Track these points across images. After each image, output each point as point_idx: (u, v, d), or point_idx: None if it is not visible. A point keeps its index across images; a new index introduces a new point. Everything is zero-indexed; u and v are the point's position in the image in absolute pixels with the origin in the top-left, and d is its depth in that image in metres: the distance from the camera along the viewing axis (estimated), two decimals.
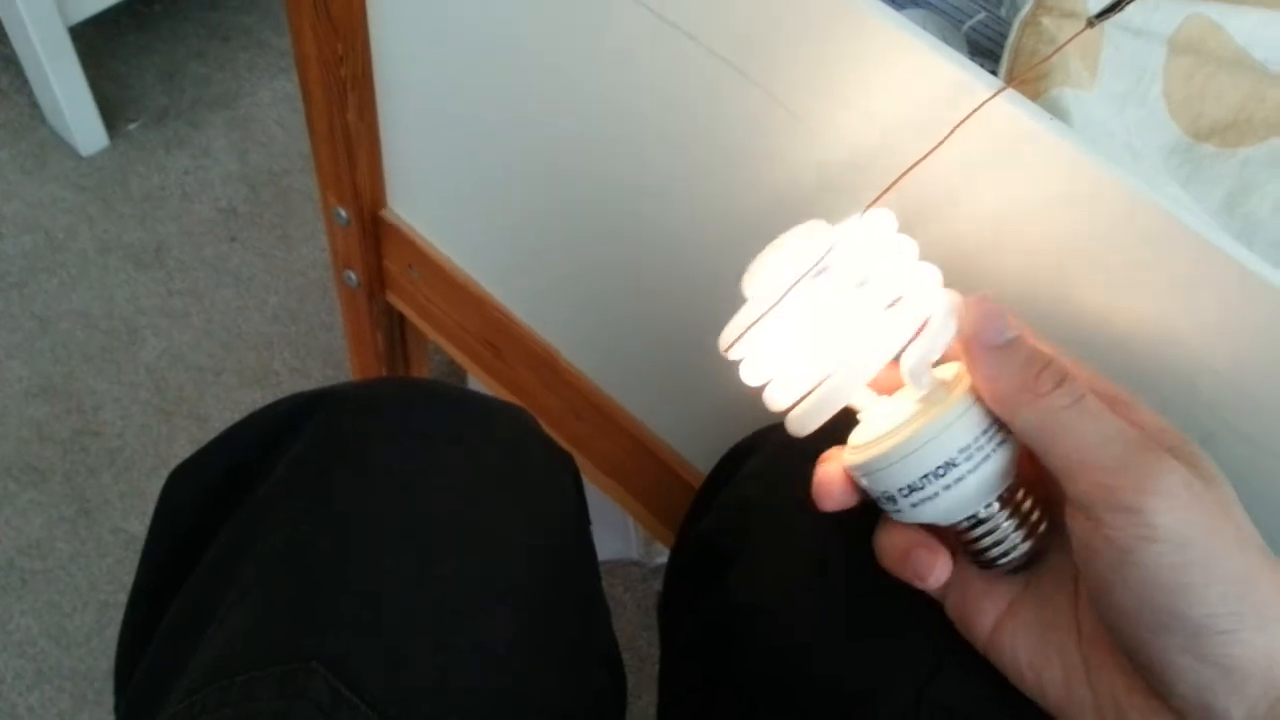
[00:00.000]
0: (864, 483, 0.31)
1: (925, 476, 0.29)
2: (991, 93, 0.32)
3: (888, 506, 0.31)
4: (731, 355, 0.33)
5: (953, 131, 0.31)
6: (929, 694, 0.31)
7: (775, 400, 0.32)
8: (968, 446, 0.29)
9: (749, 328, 0.31)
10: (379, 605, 0.33)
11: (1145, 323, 0.34)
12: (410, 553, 0.34)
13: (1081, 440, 0.27)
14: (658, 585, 0.98)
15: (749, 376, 0.33)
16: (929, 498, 0.30)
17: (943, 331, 0.30)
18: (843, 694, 0.33)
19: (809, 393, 0.31)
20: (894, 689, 0.32)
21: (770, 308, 0.31)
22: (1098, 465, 0.26)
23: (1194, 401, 0.35)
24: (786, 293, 0.30)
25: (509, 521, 0.37)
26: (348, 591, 0.33)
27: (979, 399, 0.30)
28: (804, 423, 0.31)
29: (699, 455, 0.61)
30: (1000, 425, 0.30)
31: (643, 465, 0.64)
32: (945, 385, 0.31)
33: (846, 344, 0.30)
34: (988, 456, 0.30)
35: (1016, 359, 0.29)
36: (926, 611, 0.33)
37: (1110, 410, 0.28)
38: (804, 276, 0.30)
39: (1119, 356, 0.35)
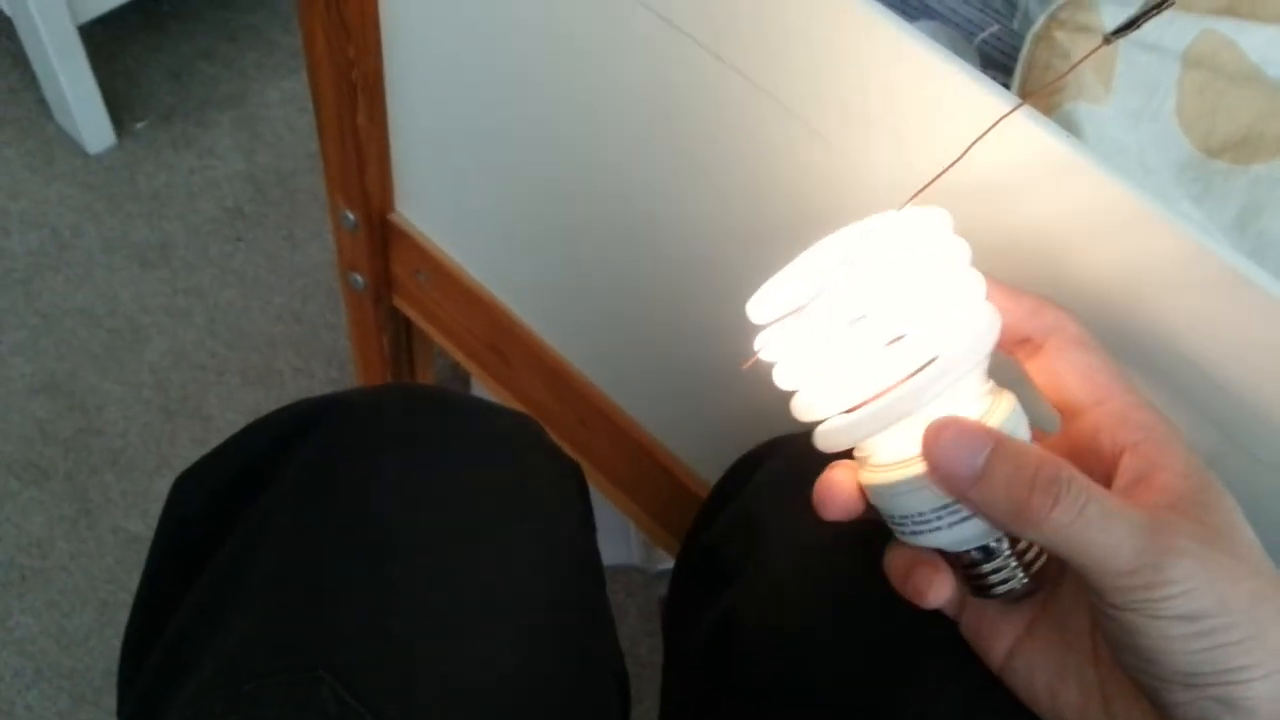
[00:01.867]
0: (879, 502, 0.31)
1: (944, 507, 0.29)
2: (1009, 109, 0.32)
3: (897, 528, 0.31)
4: (764, 355, 0.32)
5: (970, 147, 0.31)
6: (934, 713, 0.31)
7: (806, 409, 0.31)
8: (951, 504, 0.29)
9: (789, 321, 0.30)
10: (385, 615, 0.33)
11: (1154, 341, 0.34)
12: (416, 562, 0.34)
13: (1089, 552, 0.26)
14: (659, 591, 0.98)
15: (782, 380, 0.32)
16: (941, 527, 0.30)
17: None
18: (847, 712, 0.33)
19: (854, 409, 0.30)
20: (899, 708, 0.32)
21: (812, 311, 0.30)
22: (1108, 571, 0.26)
23: (1203, 420, 0.34)
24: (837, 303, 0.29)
25: (516, 531, 0.37)
26: (354, 600, 0.33)
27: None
28: (836, 440, 0.31)
29: (704, 464, 0.61)
30: None
31: (647, 473, 0.64)
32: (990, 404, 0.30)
33: (888, 369, 0.29)
34: (967, 518, 0.29)
35: (998, 488, 0.27)
36: (934, 631, 0.32)
37: (1116, 496, 0.27)
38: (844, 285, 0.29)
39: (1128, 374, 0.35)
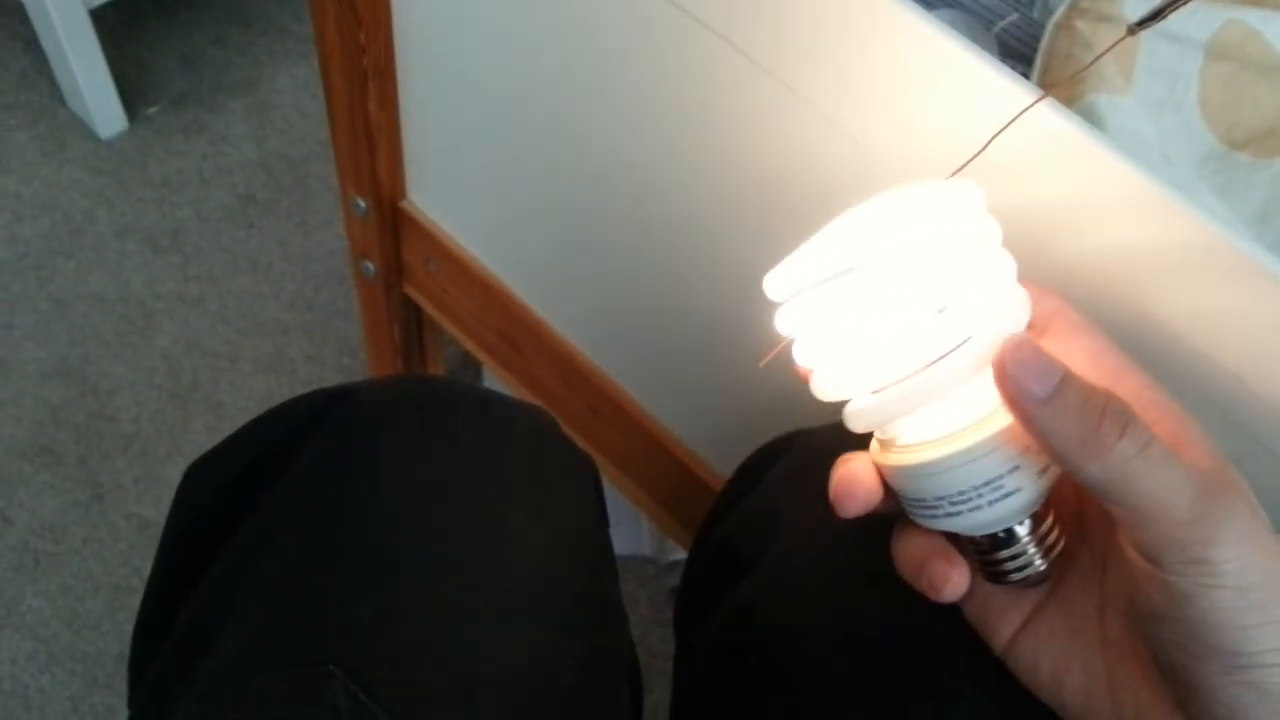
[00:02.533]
0: (906, 485, 0.30)
1: (965, 491, 0.29)
2: (1029, 99, 0.32)
3: (921, 511, 0.30)
4: (784, 330, 0.31)
5: (993, 139, 0.31)
6: (950, 715, 0.31)
7: (832, 389, 0.30)
8: (1016, 468, 0.28)
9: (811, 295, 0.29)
10: (396, 608, 0.32)
11: (1178, 338, 0.34)
12: (429, 556, 0.34)
13: (1150, 492, 0.25)
14: (670, 582, 0.98)
15: (803, 357, 0.31)
16: (973, 509, 0.29)
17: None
18: (860, 709, 0.33)
19: (883, 389, 0.29)
20: (914, 709, 0.32)
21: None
22: (1167, 518, 0.25)
23: (1227, 421, 0.34)
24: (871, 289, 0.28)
25: (529, 525, 0.37)
26: (365, 594, 0.33)
27: (1014, 435, 0.29)
28: (869, 419, 0.30)
29: (715, 454, 0.61)
30: (1024, 466, 0.29)
31: (659, 464, 0.64)
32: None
33: (920, 349, 0.28)
34: (1038, 475, 0.29)
35: (1070, 411, 0.26)
36: (950, 630, 0.32)
37: (1174, 449, 0.27)
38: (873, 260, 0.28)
39: (1152, 373, 0.35)
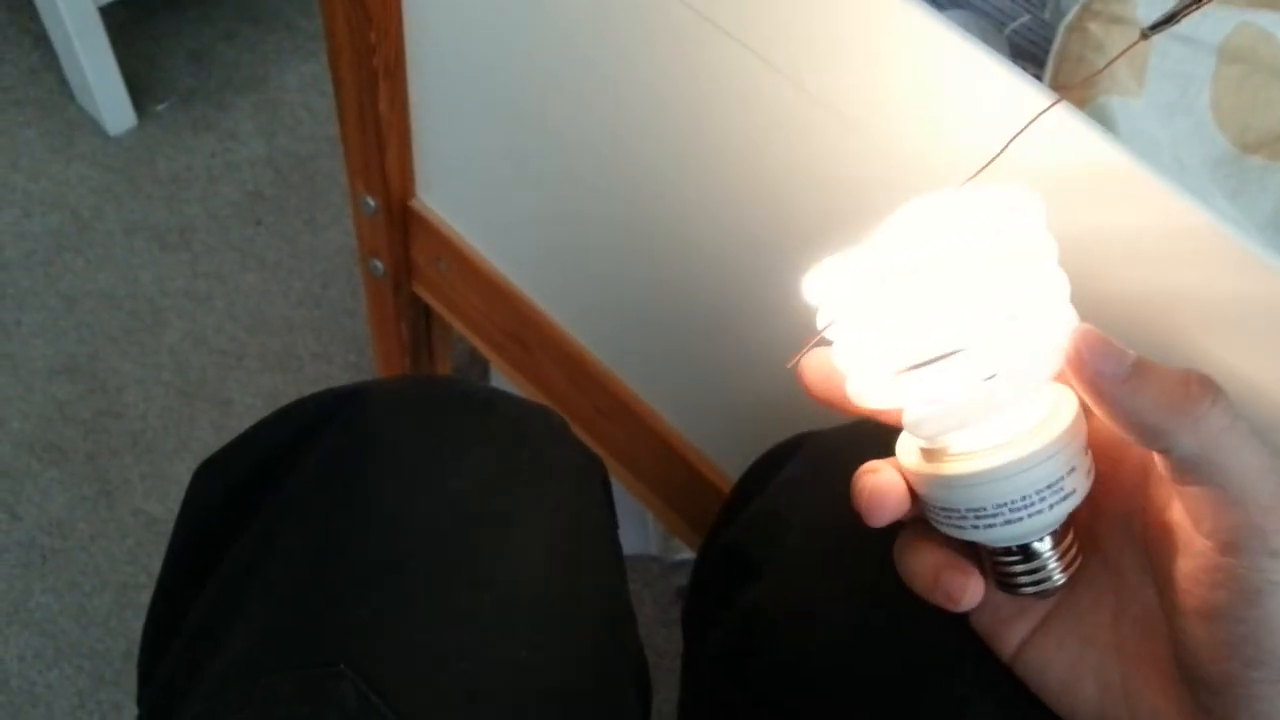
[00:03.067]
0: (928, 494, 0.30)
1: (1001, 505, 0.28)
2: (1041, 101, 0.32)
3: (943, 519, 0.30)
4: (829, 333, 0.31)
5: (1009, 143, 0.31)
6: (965, 714, 0.31)
7: (874, 394, 0.30)
8: (1052, 485, 0.28)
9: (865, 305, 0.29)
10: (405, 609, 0.32)
11: (1194, 343, 0.33)
12: (437, 556, 0.34)
13: (1240, 471, 0.25)
14: (676, 581, 0.98)
15: (843, 359, 0.31)
16: (996, 525, 0.29)
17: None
18: (872, 713, 0.33)
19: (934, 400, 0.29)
20: (924, 710, 0.32)
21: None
22: (1253, 501, 0.25)
23: None
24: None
25: (538, 527, 0.37)
26: (374, 595, 0.33)
27: (1073, 436, 0.28)
28: (933, 428, 0.29)
29: (723, 454, 0.61)
30: (1079, 470, 0.29)
31: (666, 464, 0.64)
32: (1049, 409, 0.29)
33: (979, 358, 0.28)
34: (1065, 497, 0.28)
35: (1155, 383, 0.26)
36: (958, 638, 0.32)
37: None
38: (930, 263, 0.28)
39: None
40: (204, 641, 0.36)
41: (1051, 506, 0.28)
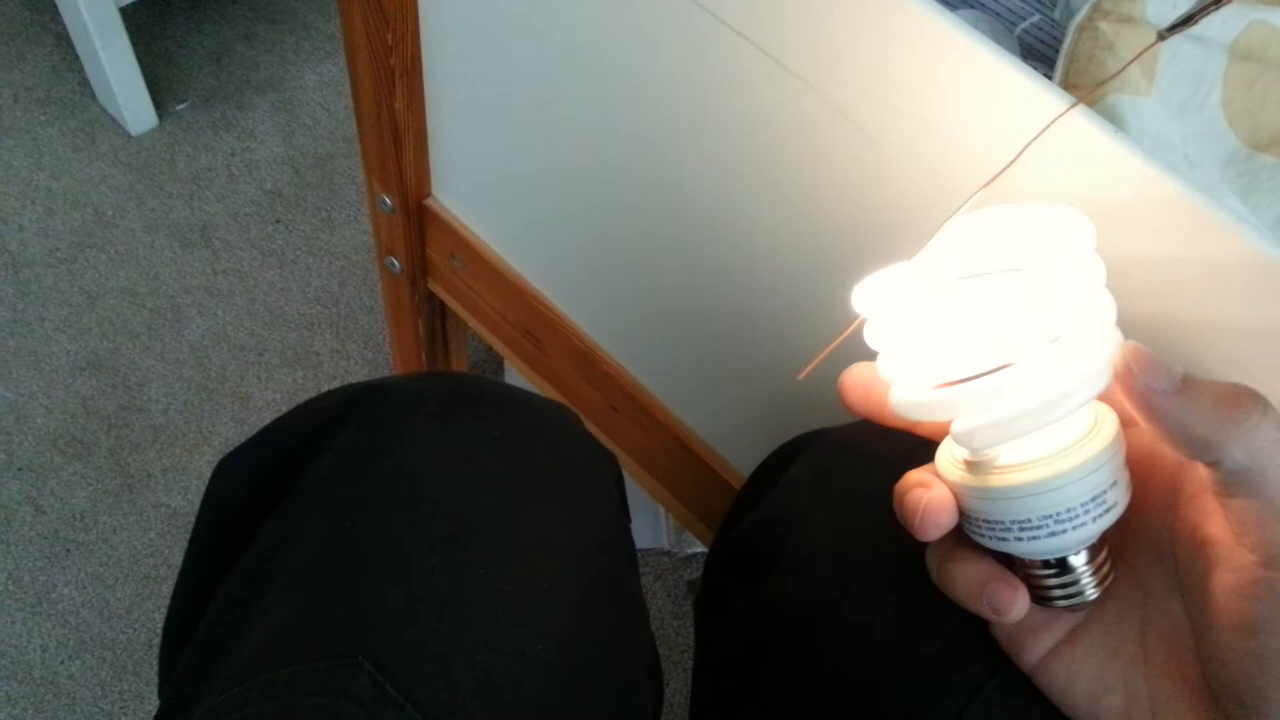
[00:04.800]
0: (971, 505, 0.30)
1: (1046, 517, 0.29)
2: (1054, 102, 0.32)
3: (984, 531, 0.30)
4: (874, 344, 0.31)
5: (1026, 147, 0.31)
6: (969, 716, 0.31)
7: (935, 408, 0.30)
8: (1096, 498, 0.28)
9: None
10: (423, 603, 0.33)
11: (1208, 343, 0.34)
12: (454, 551, 0.35)
13: None
14: (688, 574, 0.98)
15: (888, 370, 0.31)
16: (1039, 537, 0.29)
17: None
18: (879, 713, 0.33)
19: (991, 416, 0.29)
20: (931, 710, 0.32)
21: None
22: None
23: None
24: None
25: (552, 522, 0.37)
26: (392, 588, 0.33)
27: (1116, 450, 0.29)
28: (990, 437, 0.29)
29: (735, 450, 0.61)
30: (1121, 483, 0.29)
31: (678, 459, 0.64)
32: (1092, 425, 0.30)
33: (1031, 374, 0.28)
34: (1107, 510, 0.29)
35: (1205, 397, 0.26)
36: (969, 633, 0.32)
37: None
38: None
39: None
40: (224, 634, 0.36)
41: (1095, 519, 0.29)
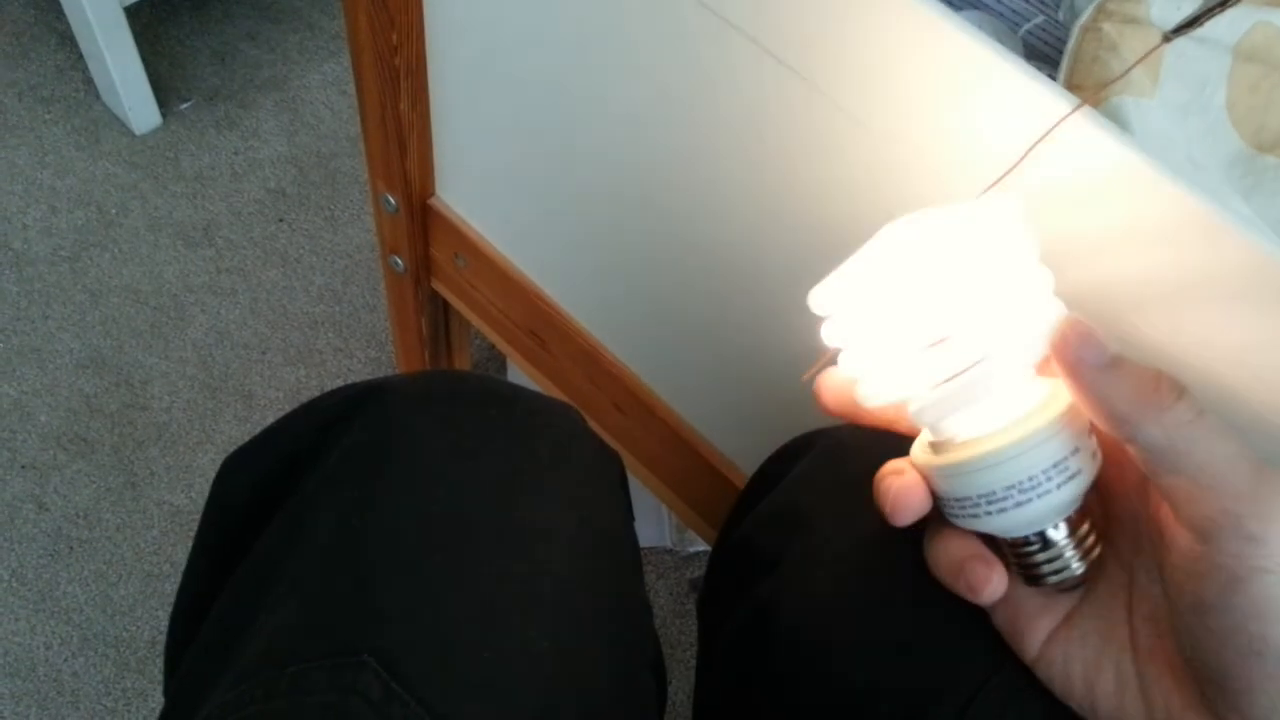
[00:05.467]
0: (940, 485, 0.31)
1: (1010, 487, 0.29)
2: (1058, 103, 0.32)
3: (957, 510, 0.31)
4: (831, 342, 0.33)
5: (1032, 149, 0.31)
6: (971, 714, 0.31)
7: (879, 394, 0.32)
8: (1057, 464, 0.29)
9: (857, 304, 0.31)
10: (428, 601, 0.33)
11: (1211, 343, 0.34)
12: (459, 550, 0.35)
13: (1208, 459, 0.26)
14: (690, 573, 0.99)
15: (849, 367, 0.33)
16: (1007, 509, 0.30)
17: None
18: (882, 711, 0.33)
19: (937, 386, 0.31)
20: (934, 708, 0.32)
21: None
22: (1223, 488, 0.26)
23: (1254, 427, 0.34)
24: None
25: (557, 521, 0.37)
26: (397, 586, 0.33)
27: (1072, 418, 0.30)
28: (935, 412, 0.31)
29: (738, 449, 0.61)
30: (1084, 450, 0.30)
31: (681, 458, 0.64)
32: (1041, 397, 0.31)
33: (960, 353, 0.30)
34: (1071, 476, 0.29)
35: (1129, 375, 0.28)
36: (971, 630, 0.33)
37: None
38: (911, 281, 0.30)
39: (1179, 375, 0.35)
40: (230, 632, 0.36)
41: (1059, 486, 0.29)
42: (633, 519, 0.44)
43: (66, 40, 1.21)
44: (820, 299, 0.32)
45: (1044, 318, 0.30)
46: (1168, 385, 0.27)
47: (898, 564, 0.34)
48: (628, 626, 0.39)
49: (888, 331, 0.31)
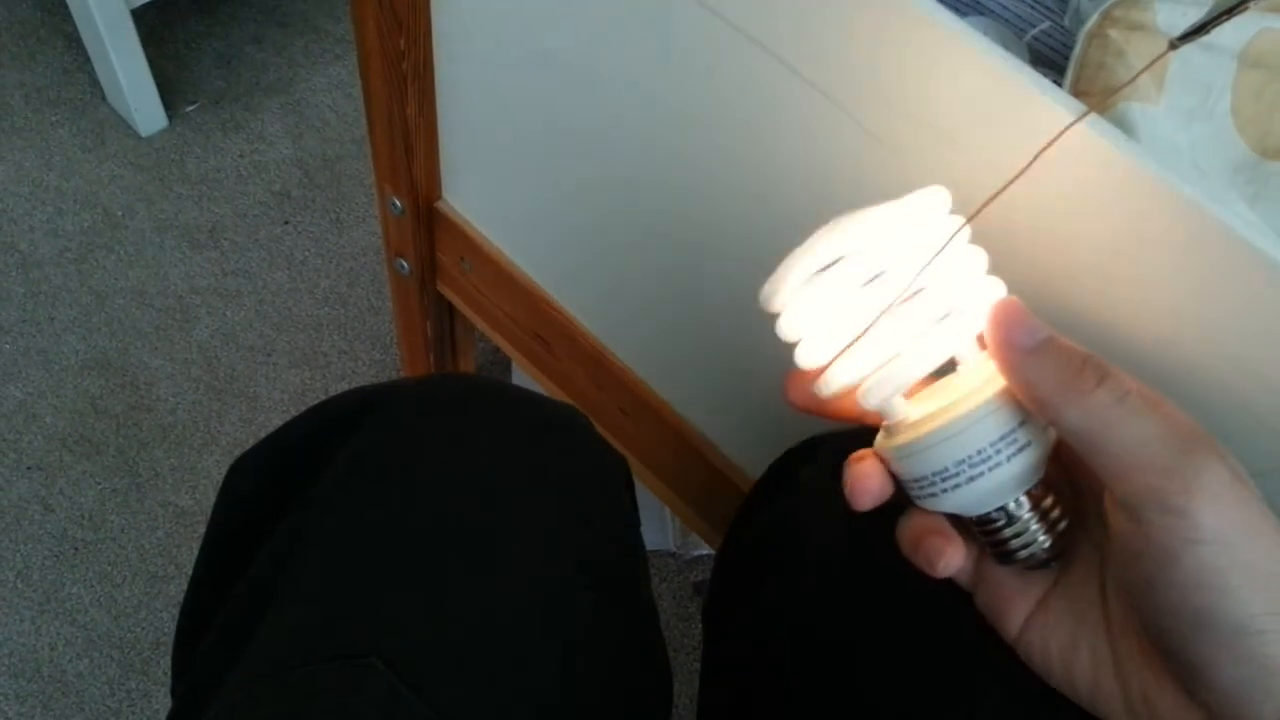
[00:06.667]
0: (898, 467, 0.32)
1: (961, 462, 0.30)
2: (1064, 111, 0.32)
3: (918, 491, 0.32)
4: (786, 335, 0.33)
5: (1037, 156, 0.31)
6: (979, 718, 0.32)
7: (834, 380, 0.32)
8: (1005, 436, 0.30)
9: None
10: (434, 604, 0.33)
11: (1210, 346, 0.34)
12: (465, 553, 0.35)
13: (1129, 439, 0.26)
14: (694, 576, 0.99)
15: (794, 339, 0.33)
16: (961, 484, 0.30)
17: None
18: (886, 717, 0.33)
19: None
20: (939, 715, 0.32)
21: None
22: (1146, 466, 0.26)
23: (1257, 433, 0.34)
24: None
25: (563, 525, 0.38)
26: (404, 590, 0.34)
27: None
28: (881, 392, 0.31)
29: (743, 453, 0.61)
30: (1032, 422, 0.30)
31: (686, 462, 0.65)
32: (982, 376, 0.31)
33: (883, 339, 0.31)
34: (1022, 448, 0.30)
35: (1054, 359, 0.28)
36: (975, 637, 0.33)
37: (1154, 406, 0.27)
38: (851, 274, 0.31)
39: (1183, 381, 0.35)
40: (237, 634, 0.36)
41: (1009, 459, 0.30)
42: (639, 522, 0.44)
43: (73, 42, 1.21)
44: (769, 296, 0.33)
45: (984, 294, 0.30)
46: (1091, 369, 0.27)
47: (903, 571, 0.34)
48: (634, 629, 0.39)
49: (834, 324, 0.31)
